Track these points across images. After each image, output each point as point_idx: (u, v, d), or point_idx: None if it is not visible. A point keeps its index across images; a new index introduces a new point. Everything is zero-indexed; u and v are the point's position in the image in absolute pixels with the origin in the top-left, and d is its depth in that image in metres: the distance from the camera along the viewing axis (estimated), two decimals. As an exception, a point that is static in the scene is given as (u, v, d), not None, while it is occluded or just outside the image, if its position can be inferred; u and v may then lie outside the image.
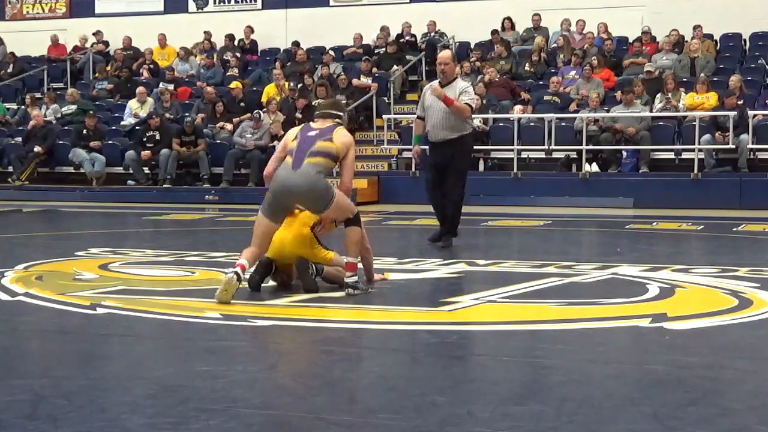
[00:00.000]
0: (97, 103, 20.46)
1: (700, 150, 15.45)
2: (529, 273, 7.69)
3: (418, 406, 3.86)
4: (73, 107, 19.62)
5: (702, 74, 17.08)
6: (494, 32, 19.84)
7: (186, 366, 4.61)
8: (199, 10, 23.24)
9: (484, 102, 16.98)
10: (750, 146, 15.35)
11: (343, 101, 18.06)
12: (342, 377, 4.46)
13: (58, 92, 20.97)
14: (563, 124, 16.47)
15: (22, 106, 20.82)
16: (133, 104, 19.25)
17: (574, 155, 16.38)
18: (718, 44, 19.10)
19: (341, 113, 6.85)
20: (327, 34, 21.45)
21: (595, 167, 16.12)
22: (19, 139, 19.01)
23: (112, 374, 4.48)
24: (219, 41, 21.90)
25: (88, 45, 23.02)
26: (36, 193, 17.62)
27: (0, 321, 5.88)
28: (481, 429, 3.56)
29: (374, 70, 19.54)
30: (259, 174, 14.69)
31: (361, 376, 4.49)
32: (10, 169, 18.38)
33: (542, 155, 16.72)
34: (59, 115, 19.65)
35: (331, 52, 20.65)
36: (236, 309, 6.02)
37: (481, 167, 16.61)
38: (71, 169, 18.42)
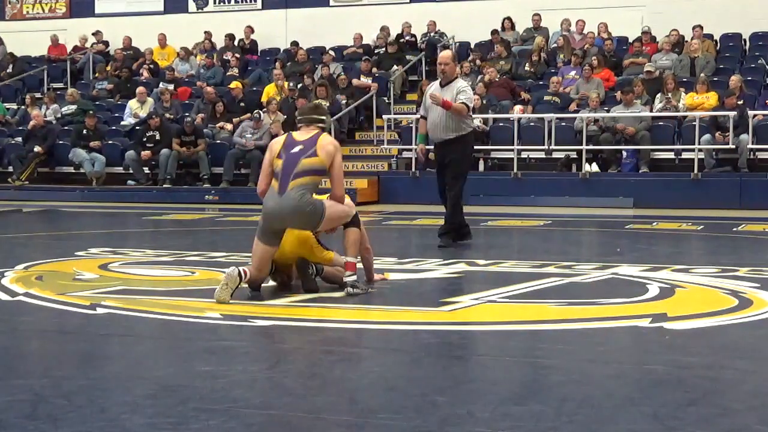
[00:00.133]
0: (97, 103, 20.46)
1: (700, 150, 15.45)
2: (529, 273, 7.69)
3: (418, 406, 3.86)
4: (73, 107, 19.63)
5: (702, 74, 17.08)
6: (494, 32, 19.84)
7: (186, 366, 4.61)
8: (199, 10, 23.24)
9: (484, 102, 16.98)
10: (750, 146, 15.35)
11: (343, 101, 18.13)
12: (342, 377, 4.46)
13: (58, 92, 20.98)
14: (563, 124, 16.47)
15: (22, 106, 20.82)
16: (133, 104, 19.26)
17: (574, 155, 16.39)
18: (718, 44, 19.10)
19: (324, 117, 6.80)
20: (327, 34, 21.46)
21: (595, 167, 16.12)
22: (19, 139, 19.02)
23: (112, 374, 4.48)
24: (219, 41, 21.90)
25: (88, 45, 23.02)
26: (36, 193, 17.63)
27: (0, 321, 5.88)
28: (481, 429, 3.56)
29: (374, 70, 19.54)
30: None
31: (361, 376, 4.48)
32: (10, 169, 18.39)
33: (542, 155, 16.72)
34: (59, 115, 19.65)
35: (331, 52, 20.65)
36: (236, 309, 6.02)
37: (481, 167, 16.60)
38: (71, 169, 18.43)
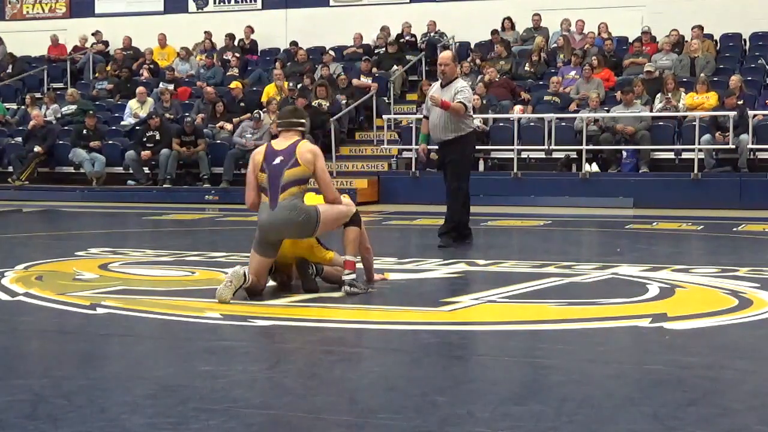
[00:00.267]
0: (97, 103, 20.46)
1: (700, 150, 15.45)
2: (529, 273, 7.70)
3: (418, 406, 3.86)
4: (73, 107, 19.63)
5: (702, 74, 17.08)
6: (494, 32, 19.84)
7: (186, 366, 4.61)
8: (199, 10, 23.23)
9: (484, 102, 16.98)
10: (750, 146, 15.35)
11: (343, 101, 18.12)
12: (342, 377, 4.46)
13: (58, 92, 20.96)
14: (563, 124, 16.47)
15: (22, 106, 20.82)
16: (133, 104, 19.25)
17: (574, 155, 16.38)
18: (718, 44, 19.09)
19: (302, 120, 6.78)
20: (327, 34, 21.45)
21: (595, 167, 16.12)
22: (19, 139, 19.01)
23: (112, 374, 4.48)
24: (219, 41, 21.89)
25: (88, 45, 23.01)
26: (36, 193, 17.63)
27: (0, 321, 5.88)
28: (481, 429, 3.56)
29: (374, 70, 19.54)
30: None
31: (361, 376, 4.48)
32: (10, 169, 18.38)
33: (542, 155, 16.71)
34: (59, 115, 19.65)
35: (331, 52, 20.65)
36: (236, 309, 6.02)
37: (481, 167, 16.60)
38: (71, 169, 18.43)
